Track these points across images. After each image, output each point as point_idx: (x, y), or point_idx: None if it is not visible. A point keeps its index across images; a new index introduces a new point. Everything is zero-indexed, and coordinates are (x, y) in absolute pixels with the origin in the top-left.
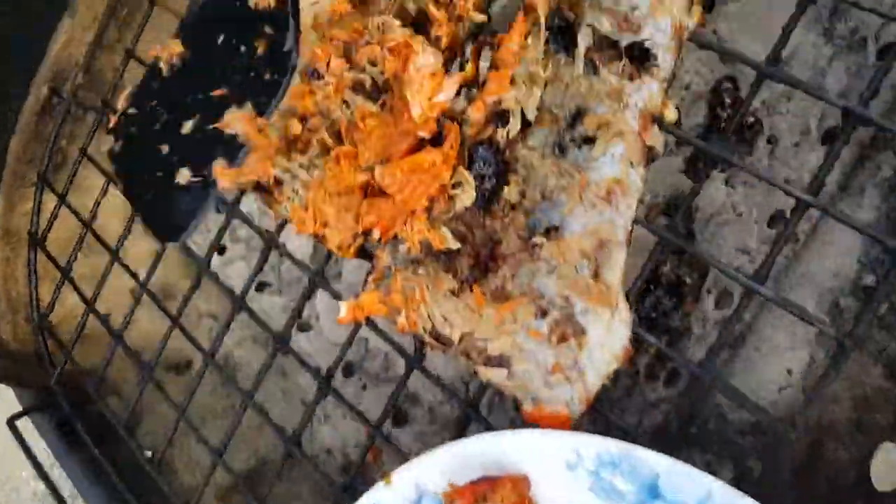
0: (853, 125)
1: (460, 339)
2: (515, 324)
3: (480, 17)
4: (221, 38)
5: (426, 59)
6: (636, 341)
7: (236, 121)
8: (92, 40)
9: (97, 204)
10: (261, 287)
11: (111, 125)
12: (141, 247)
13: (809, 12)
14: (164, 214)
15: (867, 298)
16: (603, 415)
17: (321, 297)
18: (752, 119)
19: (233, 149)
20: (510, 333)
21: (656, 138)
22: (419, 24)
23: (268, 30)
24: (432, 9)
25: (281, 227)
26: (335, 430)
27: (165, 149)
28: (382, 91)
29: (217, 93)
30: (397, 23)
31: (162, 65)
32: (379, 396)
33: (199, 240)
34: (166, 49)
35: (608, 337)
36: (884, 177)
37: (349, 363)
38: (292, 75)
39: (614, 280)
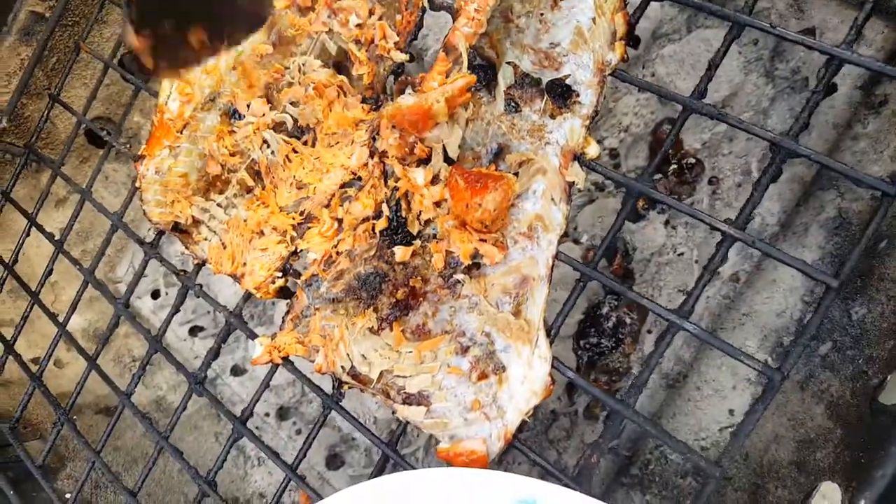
0: (783, 158)
1: (379, 378)
2: (435, 361)
3: (402, 57)
4: None
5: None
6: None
7: None
8: (17, 87)
9: (19, 246)
10: (194, 331)
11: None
12: (71, 291)
13: (750, 53)
14: None
15: (798, 333)
16: (528, 454)
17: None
18: (693, 160)
19: None
20: (430, 371)
21: (577, 174)
22: (340, 63)
23: None
24: (353, 49)
25: (200, 266)
26: (270, 475)
27: None
28: (304, 131)
29: None
30: (318, 63)
31: None
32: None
33: (129, 280)
34: None
35: (529, 373)
36: (828, 216)
37: (284, 407)
38: None
39: (535, 316)
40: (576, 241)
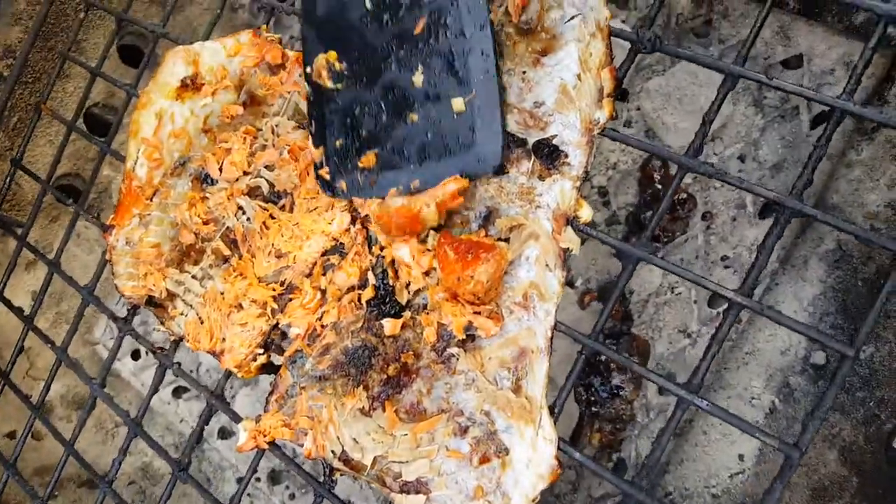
0: (787, 218)
1: (373, 464)
2: (433, 444)
3: None
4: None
5: None
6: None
7: None
8: None
9: None
10: (178, 392)
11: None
12: (46, 357)
13: (738, 83)
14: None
15: (815, 405)
16: None
17: (241, 399)
18: (684, 195)
19: None
20: (428, 455)
21: (572, 240)
22: None
23: None
24: None
25: (177, 343)
26: None
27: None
28: (281, 195)
29: None
30: (292, 124)
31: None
32: None
33: (107, 340)
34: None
35: (534, 456)
36: (827, 248)
37: (276, 470)
38: None
39: (537, 394)
40: (570, 285)
